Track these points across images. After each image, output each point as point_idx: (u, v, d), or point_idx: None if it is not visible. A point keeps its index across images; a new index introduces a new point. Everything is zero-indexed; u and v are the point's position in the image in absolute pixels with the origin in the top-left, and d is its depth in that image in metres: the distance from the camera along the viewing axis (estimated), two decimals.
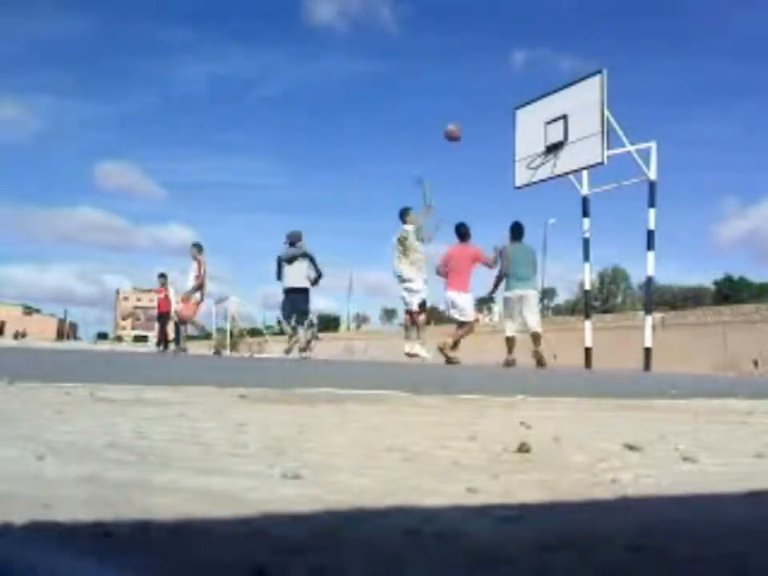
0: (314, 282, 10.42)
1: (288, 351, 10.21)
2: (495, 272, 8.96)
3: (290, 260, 10.32)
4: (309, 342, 10.14)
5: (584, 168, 9.86)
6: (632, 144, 9.41)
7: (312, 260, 10.40)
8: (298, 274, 10.29)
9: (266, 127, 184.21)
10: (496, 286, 9.12)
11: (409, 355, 8.75)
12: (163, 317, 14.70)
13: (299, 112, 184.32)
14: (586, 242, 10.43)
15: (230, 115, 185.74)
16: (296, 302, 10.30)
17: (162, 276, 15.00)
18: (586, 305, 11.09)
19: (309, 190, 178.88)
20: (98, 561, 0.47)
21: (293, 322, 10.27)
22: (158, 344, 14.73)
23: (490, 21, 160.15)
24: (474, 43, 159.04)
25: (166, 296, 14.58)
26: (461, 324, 8.87)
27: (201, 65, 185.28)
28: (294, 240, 10.45)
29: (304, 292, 10.37)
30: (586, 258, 10.50)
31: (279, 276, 10.42)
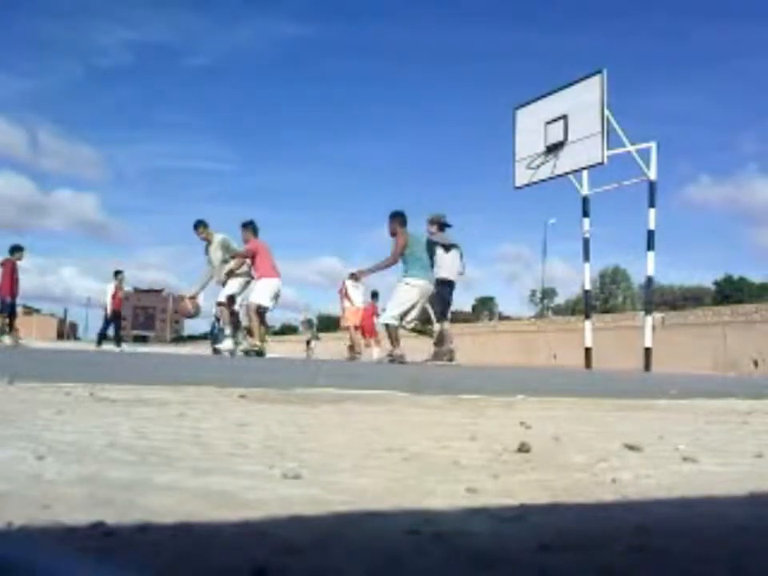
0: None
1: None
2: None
3: (448, 248, 8.55)
4: (309, 342, 10.01)
5: (584, 168, 9.88)
6: (632, 144, 9.42)
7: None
8: (454, 263, 8.64)
9: (204, 103, 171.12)
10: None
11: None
12: (117, 314, 14.74)
13: (236, 83, 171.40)
14: (586, 242, 10.44)
15: (163, 89, 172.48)
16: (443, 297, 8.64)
17: (119, 273, 14.99)
18: (586, 305, 11.10)
19: (262, 176, 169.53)
20: (98, 561, 0.47)
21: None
22: (118, 343, 14.71)
23: None
24: None
25: (117, 294, 14.66)
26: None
27: (116, 31, 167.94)
28: (445, 223, 8.75)
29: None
30: (586, 258, 10.51)
31: (433, 263, 8.42)
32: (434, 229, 8.78)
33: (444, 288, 8.65)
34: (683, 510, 0.73)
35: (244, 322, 9.51)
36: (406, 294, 8.09)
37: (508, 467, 0.95)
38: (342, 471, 0.85)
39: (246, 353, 8.73)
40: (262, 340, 9.22)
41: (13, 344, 11.50)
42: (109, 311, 14.63)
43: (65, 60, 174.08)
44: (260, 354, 8.77)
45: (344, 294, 13.69)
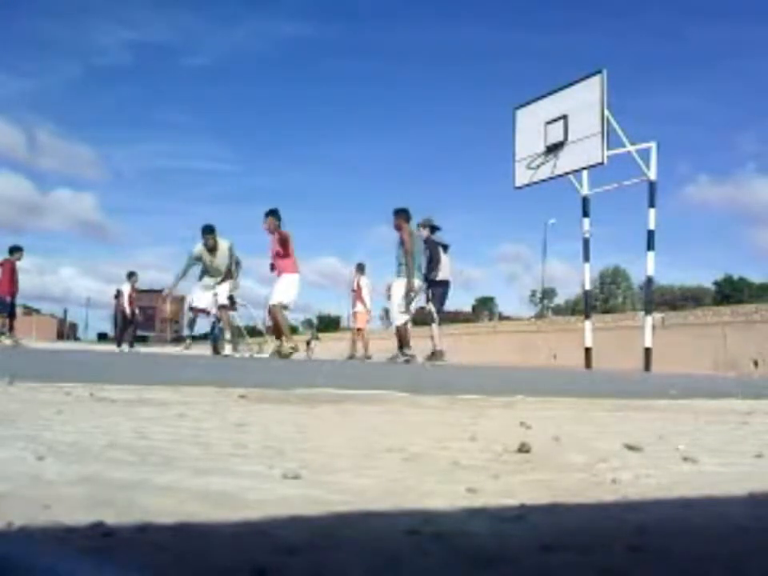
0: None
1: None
2: None
3: (446, 248, 9.09)
4: (309, 342, 9.84)
5: (584, 168, 9.87)
6: (632, 144, 9.42)
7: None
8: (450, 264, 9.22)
9: (204, 103, 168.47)
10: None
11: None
12: (132, 314, 14.78)
13: (236, 83, 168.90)
14: (586, 242, 10.43)
15: (163, 89, 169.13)
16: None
17: (133, 274, 15.05)
18: (586, 305, 11.09)
19: (262, 176, 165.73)
20: (98, 561, 0.47)
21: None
22: (121, 344, 14.74)
23: None
24: None
25: (131, 295, 14.71)
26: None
27: (116, 31, 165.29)
28: (435, 226, 9.26)
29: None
30: (586, 258, 10.51)
31: (433, 262, 8.93)
32: (425, 232, 9.10)
33: (445, 288, 9.03)
34: (683, 509, 0.73)
35: (265, 322, 9.34)
36: (403, 292, 8.52)
37: (508, 467, 0.94)
38: (342, 471, 0.85)
39: (287, 354, 8.25)
40: (265, 341, 9.13)
41: (13, 344, 11.50)
42: (128, 312, 14.69)
43: (65, 60, 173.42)
44: (294, 351, 8.48)
45: (358, 295, 13.22)
